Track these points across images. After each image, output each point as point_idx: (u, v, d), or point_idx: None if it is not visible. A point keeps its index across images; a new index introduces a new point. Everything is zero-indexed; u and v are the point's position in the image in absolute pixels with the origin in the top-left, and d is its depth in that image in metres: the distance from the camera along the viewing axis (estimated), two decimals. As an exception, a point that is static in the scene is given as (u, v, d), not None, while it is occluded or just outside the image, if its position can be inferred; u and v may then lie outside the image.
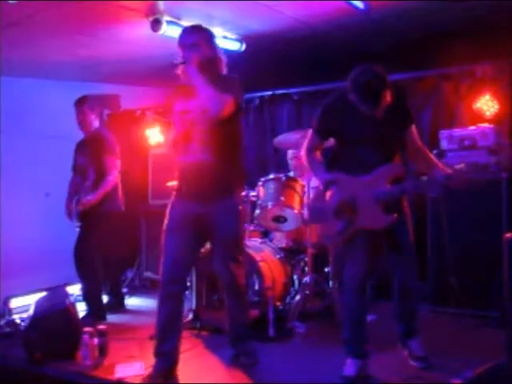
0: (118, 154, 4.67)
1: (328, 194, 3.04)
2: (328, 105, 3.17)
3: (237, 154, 3.26)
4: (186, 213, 3.15)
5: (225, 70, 3.24)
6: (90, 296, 4.55)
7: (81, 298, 4.73)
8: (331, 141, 3.23)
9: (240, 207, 3.25)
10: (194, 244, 3.21)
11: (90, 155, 4.57)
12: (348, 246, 3.09)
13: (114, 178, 4.58)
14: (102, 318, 4.43)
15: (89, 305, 4.53)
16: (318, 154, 3.22)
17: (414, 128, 3.16)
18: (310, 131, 3.21)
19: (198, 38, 3.15)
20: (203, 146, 3.10)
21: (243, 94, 3.20)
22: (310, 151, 3.20)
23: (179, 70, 3.13)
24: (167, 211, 3.21)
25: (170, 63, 3.10)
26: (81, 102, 4.63)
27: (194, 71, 3.02)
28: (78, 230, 4.56)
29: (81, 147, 4.70)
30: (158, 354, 3.08)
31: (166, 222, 3.19)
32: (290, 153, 4.92)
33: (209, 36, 3.22)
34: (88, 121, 4.64)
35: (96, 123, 4.71)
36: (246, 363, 3.31)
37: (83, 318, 4.22)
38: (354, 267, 3.08)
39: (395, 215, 2.96)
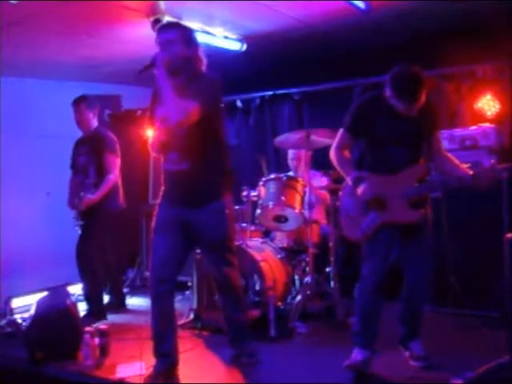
0: (119, 152, 4.67)
1: (359, 189, 3.10)
2: (362, 104, 3.24)
3: (219, 158, 3.14)
4: (171, 216, 3.12)
5: (203, 70, 3.06)
6: (91, 296, 4.55)
7: (82, 297, 4.73)
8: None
9: (227, 211, 3.15)
10: (182, 245, 3.15)
11: (90, 154, 4.58)
12: (372, 242, 3.15)
13: (115, 176, 4.59)
14: (103, 318, 4.44)
15: (89, 304, 4.54)
16: (346, 153, 3.28)
17: (438, 134, 3.25)
18: (341, 130, 3.25)
19: (174, 34, 2.97)
20: (182, 155, 3.00)
21: (220, 95, 3.03)
22: (340, 149, 3.25)
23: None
24: (155, 212, 3.19)
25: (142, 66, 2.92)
26: (78, 101, 4.62)
27: (162, 74, 2.83)
28: (78, 229, 4.56)
29: (81, 146, 4.70)
30: (158, 354, 3.08)
31: (153, 223, 3.17)
32: (290, 153, 4.93)
33: (187, 33, 3.04)
34: (86, 119, 4.62)
35: (95, 122, 4.69)
36: (247, 363, 3.31)
37: (83, 317, 4.22)
38: (376, 262, 3.14)
39: (422, 210, 3.09)
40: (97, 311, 4.50)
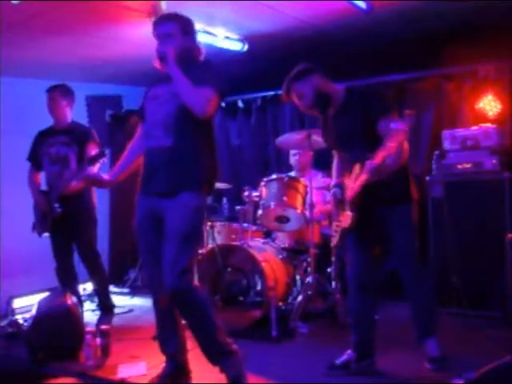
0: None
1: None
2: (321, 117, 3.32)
3: (205, 147, 2.91)
4: (146, 209, 2.97)
5: (201, 58, 3.00)
6: (104, 291, 4.62)
7: (86, 297, 4.76)
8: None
9: (194, 206, 2.82)
10: (159, 242, 2.88)
11: (71, 144, 4.36)
12: (345, 247, 3.26)
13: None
14: (113, 312, 4.58)
15: (103, 301, 4.59)
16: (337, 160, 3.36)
17: (384, 119, 2.88)
18: None
19: (173, 27, 2.91)
20: (168, 131, 2.83)
21: (223, 79, 2.85)
22: (336, 154, 3.36)
23: (156, 64, 2.91)
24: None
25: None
26: (53, 89, 4.42)
27: (174, 67, 2.77)
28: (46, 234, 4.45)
29: (55, 136, 4.46)
30: (164, 355, 3.04)
31: (134, 221, 3.03)
32: (292, 153, 4.93)
33: (186, 23, 2.97)
34: (61, 108, 4.42)
35: (69, 112, 4.48)
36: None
37: (101, 317, 4.43)
38: (351, 267, 3.22)
39: (352, 214, 2.97)
40: (110, 306, 4.59)
